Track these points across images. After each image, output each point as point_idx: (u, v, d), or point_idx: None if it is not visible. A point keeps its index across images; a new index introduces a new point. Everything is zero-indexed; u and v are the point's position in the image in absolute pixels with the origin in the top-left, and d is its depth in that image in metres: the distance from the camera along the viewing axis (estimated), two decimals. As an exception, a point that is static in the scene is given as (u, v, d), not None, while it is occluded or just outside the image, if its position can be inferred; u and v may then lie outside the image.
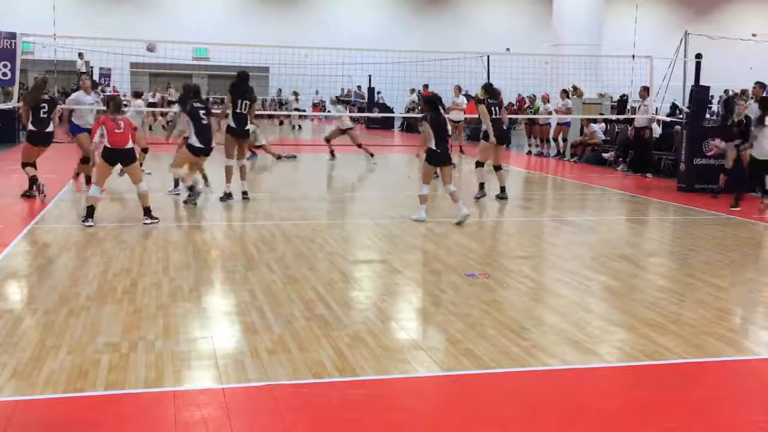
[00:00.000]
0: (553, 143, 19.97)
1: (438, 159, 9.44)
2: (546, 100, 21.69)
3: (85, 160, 11.23)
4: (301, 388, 4.21)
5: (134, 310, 5.58)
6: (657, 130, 16.57)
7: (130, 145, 8.89)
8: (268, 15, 38.95)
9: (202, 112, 10.10)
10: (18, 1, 34.63)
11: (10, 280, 6.51)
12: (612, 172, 16.27)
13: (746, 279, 7.27)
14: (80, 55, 26.88)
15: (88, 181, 11.57)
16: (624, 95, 20.78)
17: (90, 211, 8.77)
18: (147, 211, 8.95)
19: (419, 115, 27.46)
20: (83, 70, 27.68)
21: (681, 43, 14.92)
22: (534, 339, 5.14)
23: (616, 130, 18.56)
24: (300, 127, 32.16)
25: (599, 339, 5.19)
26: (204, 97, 11.58)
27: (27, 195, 10.68)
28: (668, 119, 17.41)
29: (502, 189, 11.68)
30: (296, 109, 30.87)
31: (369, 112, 30.96)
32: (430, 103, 9.71)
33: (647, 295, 6.39)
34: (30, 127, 10.77)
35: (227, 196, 10.78)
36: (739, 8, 43.69)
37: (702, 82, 13.90)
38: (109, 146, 8.82)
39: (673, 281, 6.96)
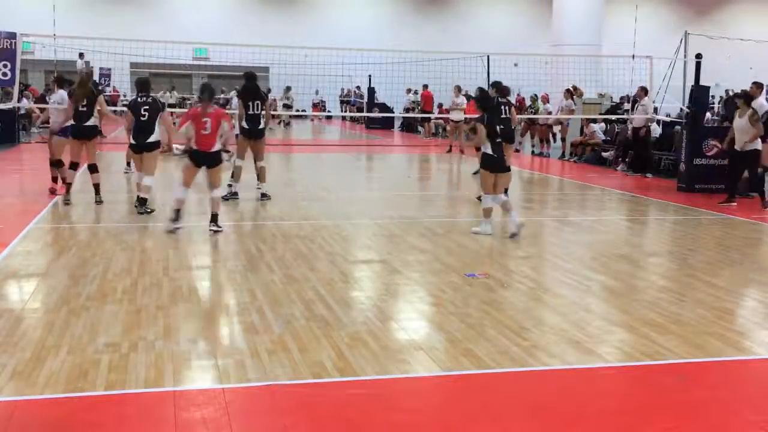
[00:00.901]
0: (550, 141, 19.96)
1: (495, 164, 8.76)
2: (546, 100, 21.69)
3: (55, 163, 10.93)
4: (301, 388, 4.21)
5: (134, 310, 5.58)
6: (657, 130, 16.58)
7: (216, 147, 8.45)
8: (268, 15, 38.96)
9: (144, 108, 9.63)
10: (18, 1, 34.64)
11: (10, 280, 6.51)
12: (612, 172, 16.28)
13: (746, 279, 7.27)
14: (81, 55, 26.90)
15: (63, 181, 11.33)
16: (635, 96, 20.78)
17: (176, 214, 8.45)
18: (214, 218, 8.51)
19: (419, 116, 27.63)
20: (84, 70, 27.68)
21: (681, 43, 14.92)
22: (534, 339, 5.14)
23: (616, 130, 18.57)
24: (289, 123, 32.02)
25: (599, 339, 5.19)
26: (163, 93, 11.22)
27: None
28: (668, 119, 17.41)
29: (505, 190, 11.60)
30: (285, 105, 30.42)
31: (369, 112, 30.97)
32: (482, 101, 9.02)
33: (647, 295, 6.39)
34: (70, 121, 10.38)
35: (232, 195, 10.76)
36: (739, 8, 43.70)
37: (702, 82, 13.90)
38: (194, 147, 8.38)
39: (673, 281, 6.96)
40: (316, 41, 27.84)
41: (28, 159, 16.64)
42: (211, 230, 8.45)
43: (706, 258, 7.93)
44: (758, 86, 13.19)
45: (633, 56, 18.94)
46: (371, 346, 4.91)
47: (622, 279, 6.97)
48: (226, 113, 8.96)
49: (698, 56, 13.93)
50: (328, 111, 36.47)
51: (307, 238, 8.38)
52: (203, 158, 8.42)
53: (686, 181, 13.27)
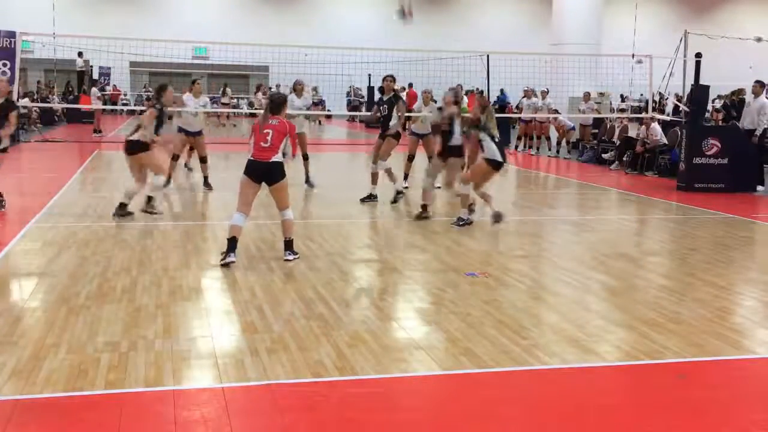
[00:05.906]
0: (561, 143, 19.93)
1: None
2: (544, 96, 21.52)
3: (176, 157, 11.80)
4: (301, 388, 4.21)
5: (134, 309, 5.58)
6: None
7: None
8: (268, 14, 38.96)
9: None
10: (18, 0, 34.62)
11: (10, 279, 6.51)
12: (612, 172, 16.26)
13: (746, 279, 7.27)
14: (80, 54, 26.90)
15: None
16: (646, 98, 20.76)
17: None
18: None
19: (408, 115, 27.58)
20: (83, 68, 27.68)
21: (681, 42, 14.91)
22: (534, 338, 5.14)
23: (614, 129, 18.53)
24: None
25: (599, 338, 5.19)
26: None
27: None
28: (668, 118, 17.39)
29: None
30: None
31: (368, 111, 30.95)
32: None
33: (647, 295, 6.38)
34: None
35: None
36: (739, 8, 43.71)
37: (703, 82, 13.89)
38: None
39: (673, 280, 6.96)
40: (315, 40, 27.84)
41: (28, 158, 16.63)
42: None
43: (706, 257, 7.93)
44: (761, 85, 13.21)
45: (633, 55, 18.93)
46: (371, 345, 4.91)
47: (622, 278, 6.96)
48: None
49: (698, 55, 13.92)
50: (328, 110, 36.48)
51: (307, 237, 8.38)
52: None
53: (686, 180, 13.26)
